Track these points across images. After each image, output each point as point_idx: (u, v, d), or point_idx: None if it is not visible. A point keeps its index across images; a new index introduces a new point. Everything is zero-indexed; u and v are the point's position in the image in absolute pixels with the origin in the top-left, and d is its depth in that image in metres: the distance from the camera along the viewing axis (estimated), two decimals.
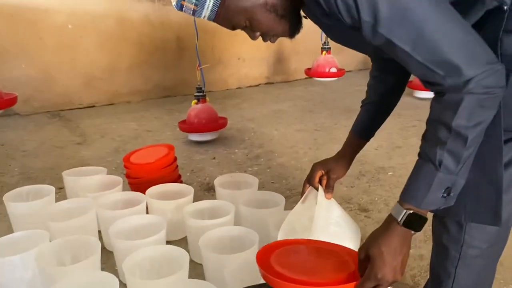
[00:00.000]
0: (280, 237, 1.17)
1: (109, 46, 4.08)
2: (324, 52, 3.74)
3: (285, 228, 1.19)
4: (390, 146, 2.83)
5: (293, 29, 0.99)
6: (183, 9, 0.92)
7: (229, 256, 1.32)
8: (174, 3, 0.92)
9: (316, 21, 1.01)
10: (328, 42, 3.68)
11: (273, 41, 1.00)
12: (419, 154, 0.85)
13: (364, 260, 0.88)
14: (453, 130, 0.78)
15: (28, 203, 1.72)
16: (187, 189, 1.80)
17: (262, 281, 0.94)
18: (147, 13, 4.20)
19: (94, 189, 1.84)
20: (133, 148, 2.41)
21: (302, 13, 1.01)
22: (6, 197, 1.73)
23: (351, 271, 0.91)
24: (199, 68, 2.85)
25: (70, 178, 1.93)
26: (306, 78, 4.65)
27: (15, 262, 1.31)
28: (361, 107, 1.24)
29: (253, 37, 0.99)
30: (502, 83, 0.78)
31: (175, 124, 3.18)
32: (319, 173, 1.21)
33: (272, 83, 5.27)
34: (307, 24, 1.10)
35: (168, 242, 1.51)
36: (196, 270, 1.53)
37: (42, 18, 3.71)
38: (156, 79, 4.39)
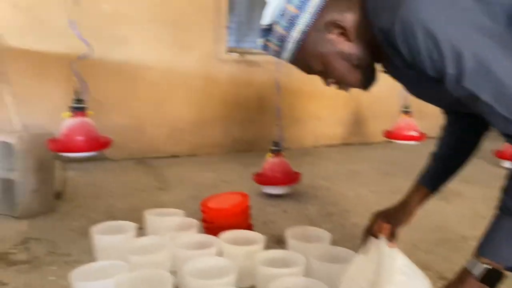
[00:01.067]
0: None
1: (195, 102, 4.38)
2: (404, 115, 3.71)
3: (346, 281, 1.17)
4: (474, 215, 2.66)
5: (367, 81, 1.03)
6: (267, 49, 1.00)
7: None
8: (259, 44, 1.01)
9: (395, 74, 1.04)
10: (409, 105, 3.65)
11: (346, 90, 1.04)
12: (500, 208, 0.83)
13: None
14: None
15: (111, 237, 1.84)
16: (259, 237, 1.83)
17: None
18: (233, 73, 4.49)
19: (171, 229, 1.93)
20: None
21: (380, 67, 1.05)
22: (93, 230, 1.87)
23: None
24: (277, 123, 2.96)
25: (151, 217, 2.05)
26: (384, 141, 4.59)
27: None
28: (430, 159, 1.23)
29: (327, 83, 1.04)
30: None
31: (249, 177, 3.27)
32: (380, 223, 1.19)
33: (349, 144, 5.25)
34: (386, 86, 1.13)
35: None
36: None
37: (140, 74, 4.11)
38: (237, 134, 4.59)
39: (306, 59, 1.00)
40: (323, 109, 5.00)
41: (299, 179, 3.06)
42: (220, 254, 1.76)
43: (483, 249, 0.83)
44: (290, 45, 0.97)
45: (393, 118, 3.79)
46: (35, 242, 2.17)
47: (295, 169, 3.15)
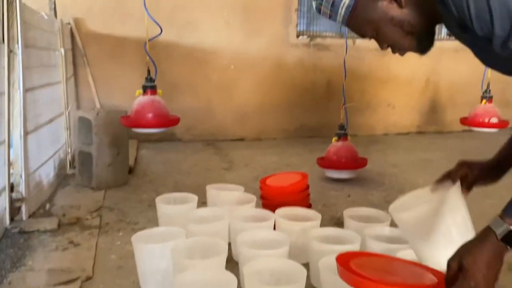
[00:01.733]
0: (391, 208, 1.19)
1: (263, 86, 4.41)
2: (484, 101, 3.44)
3: (399, 204, 1.19)
4: None
5: (422, 46, 0.98)
6: (321, 12, 1.00)
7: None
8: (314, 6, 1.01)
9: (459, 37, 0.98)
10: (489, 90, 3.38)
11: (401, 54, 1.01)
12: None
13: (454, 270, 0.86)
14: None
15: (174, 206, 1.93)
16: (315, 215, 1.81)
17: None
18: (302, 58, 4.45)
19: (231, 203, 1.97)
20: None
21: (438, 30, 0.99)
22: (158, 199, 1.97)
23: (434, 283, 0.92)
24: (343, 106, 2.89)
25: (212, 191, 2.11)
26: (463, 131, 4.33)
27: (154, 251, 1.47)
28: None
29: (381, 47, 1.01)
30: None
31: (314, 161, 3.24)
32: (463, 171, 1.11)
33: (423, 132, 4.99)
34: (468, 73, 1.08)
35: None
36: None
37: (210, 59, 4.22)
38: (303, 119, 4.56)
39: (358, 24, 0.99)
40: (396, 95, 4.80)
41: (365, 164, 2.98)
42: (275, 229, 1.77)
43: (510, 209, 0.83)
44: (341, 10, 0.97)
45: (475, 104, 3.54)
46: (107, 211, 2.34)
47: (363, 156, 3.07)
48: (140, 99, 2.36)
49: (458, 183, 1.08)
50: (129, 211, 2.34)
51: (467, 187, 1.11)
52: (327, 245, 1.52)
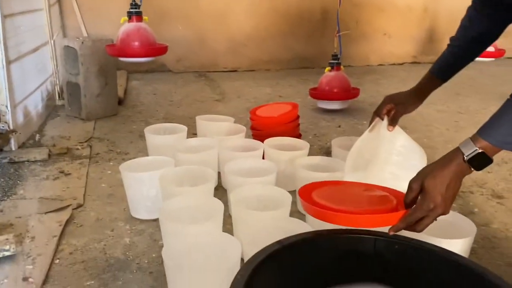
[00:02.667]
0: (348, 160, 1.29)
1: (258, 15, 4.25)
2: None
3: (353, 152, 1.29)
4: None
5: None
6: None
7: None
8: None
9: None
10: None
11: None
12: (511, 95, 0.81)
13: (416, 190, 0.89)
14: None
15: (163, 136, 1.93)
16: (304, 145, 1.82)
17: None
18: None
19: (221, 134, 1.97)
20: None
21: None
22: (147, 129, 1.96)
23: (393, 205, 0.96)
24: (337, 34, 2.81)
25: (202, 122, 2.10)
26: None
27: (143, 179, 1.49)
28: (448, 44, 1.21)
29: None
30: None
31: (307, 92, 3.21)
32: (388, 106, 1.23)
33: (420, 63, 4.91)
34: (467, 2, 1.06)
35: None
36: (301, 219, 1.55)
37: None
38: (297, 49, 4.45)
39: None
40: (393, 24, 4.66)
41: (357, 94, 2.95)
42: (264, 158, 1.79)
43: (483, 131, 0.83)
44: None
45: None
46: (98, 141, 2.34)
47: (356, 86, 3.03)
48: (125, 27, 2.27)
49: (385, 118, 1.22)
50: (119, 141, 2.34)
51: (392, 119, 1.22)
52: (313, 172, 1.54)
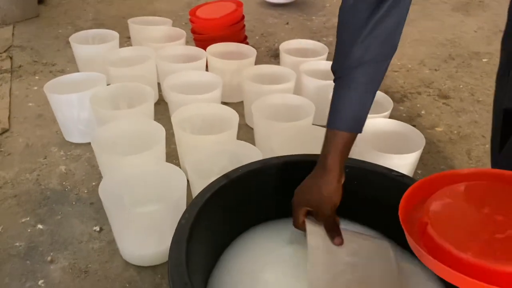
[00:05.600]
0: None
1: None
2: None
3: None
4: (493, 29, 2.42)
5: None
6: None
7: (280, 124, 1.24)
8: None
9: None
10: None
11: None
12: None
13: None
14: None
15: (91, 46, 1.72)
16: (250, 51, 1.68)
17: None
18: None
19: (158, 40, 1.78)
20: None
21: None
22: (73, 38, 1.73)
23: None
24: None
25: (135, 26, 1.88)
26: None
27: (72, 100, 1.33)
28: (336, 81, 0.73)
29: None
30: None
31: None
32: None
33: None
34: None
35: (223, 104, 1.45)
36: (249, 135, 1.49)
37: None
38: None
39: None
40: None
41: None
42: (208, 68, 1.65)
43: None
44: None
45: None
46: (19, 50, 2.06)
47: None
48: None
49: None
50: (44, 50, 2.08)
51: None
52: (261, 85, 1.44)
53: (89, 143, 1.41)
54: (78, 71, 1.76)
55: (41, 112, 1.60)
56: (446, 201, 0.61)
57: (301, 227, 0.77)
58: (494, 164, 0.93)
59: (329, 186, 0.72)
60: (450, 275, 0.49)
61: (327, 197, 0.72)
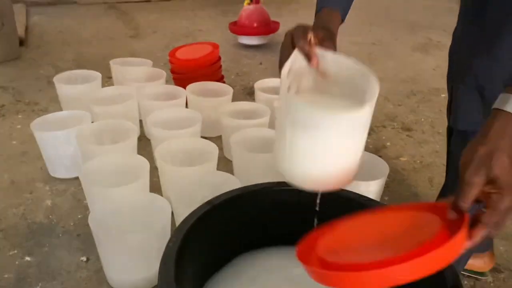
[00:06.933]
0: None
1: None
2: None
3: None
4: None
5: None
6: None
7: (257, 155, 1.34)
8: None
9: None
10: None
11: None
12: None
13: (477, 185, 0.56)
14: None
15: (75, 86, 1.79)
16: (227, 89, 1.80)
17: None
18: None
19: (139, 80, 1.88)
20: None
21: None
22: (57, 79, 1.81)
23: (441, 229, 0.57)
24: None
25: (117, 66, 1.97)
26: None
27: (58, 138, 1.40)
28: None
29: None
30: None
31: (227, 25, 3.11)
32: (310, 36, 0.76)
33: None
34: None
35: (203, 138, 1.53)
36: (227, 167, 1.57)
37: None
38: None
39: None
40: None
41: (277, 29, 2.92)
42: (188, 106, 1.75)
43: None
44: None
45: None
46: (1, 91, 2.12)
47: (275, 19, 2.99)
48: None
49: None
50: (27, 90, 2.14)
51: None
52: (238, 120, 1.54)
53: (74, 178, 1.47)
54: (61, 109, 1.83)
55: (25, 150, 1.65)
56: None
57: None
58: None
59: None
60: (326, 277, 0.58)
61: None
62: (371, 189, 1.24)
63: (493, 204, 0.55)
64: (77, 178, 1.45)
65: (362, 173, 1.31)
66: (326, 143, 0.66)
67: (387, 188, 1.50)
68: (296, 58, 0.72)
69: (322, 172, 0.70)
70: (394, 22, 3.68)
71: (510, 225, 1.39)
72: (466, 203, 0.56)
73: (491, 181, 0.55)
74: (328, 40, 0.76)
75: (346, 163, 0.70)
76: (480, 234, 0.55)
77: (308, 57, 0.72)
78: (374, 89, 0.68)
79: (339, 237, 0.69)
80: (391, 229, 0.66)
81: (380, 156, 1.39)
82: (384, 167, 1.29)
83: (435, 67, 2.61)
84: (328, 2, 0.87)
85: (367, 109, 0.65)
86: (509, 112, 0.58)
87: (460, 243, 0.54)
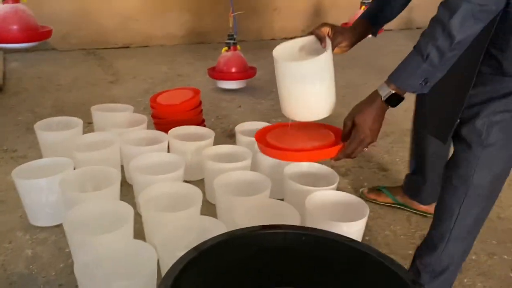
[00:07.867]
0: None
1: None
2: (363, 6, 3.61)
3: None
4: None
5: None
6: None
7: (241, 199, 1.36)
8: None
9: None
10: None
11: None
12: (414, 47, 0.96)
13: (349, 126, 1.07)
14: (446, 29, 0.88)
15: (56, 133, 1.80)
16: (209, 133, 1.84)
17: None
18: None
19: (120, 125, 1.90)
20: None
21: None
22: (37, 126, 1.81)
23: (333, 140, 1.15)
24: (232, 14, 2.81)
25: (98, 113, 1.99)
26: None
27: (41, 185, 1.39)
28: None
29: None
30: (499, 3, 0.87)
31: (205, 70, 3.19)
32: (327, 29, 1.19)
33: None
34: None
35: (185, 182, 1.56)
36: (210, 210, 1.59)
37: None
38: (191, 24, 4.36)
39: None
40: (282, 0, 4.78)
41: (254, 74, 3.02)
42: (169, 150, 1.78)
43: (392, 76, 1.00)
44: None
45: (356, 9, 3.70)
46: None
47: (251, 63, 3.09)
48: (1, 8, 2.03)
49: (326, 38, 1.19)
50: (5, 137, 2.13)
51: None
52: (220, 164, 1.57)
53: (55, 226, 1.45)
54: (40, 156, 1.82)
55: (3, 198, 1.63)
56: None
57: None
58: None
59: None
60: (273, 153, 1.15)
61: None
62: (352, 229, 1.28)
63: (352, 138, 1.06)
64: (58, 226, 1.44)
65: (343, 213, 1.36)
66: (292, 86, 1.15)
67: (366, 227, 1.54)
68: (309, 37, 1.21)
69: (302, 109, 1.17)
70: (364, 66, 3.84)
71: (485, 263, 1.44)
72: (343, 134, 1.09)
73: (354, 126, 1.05)
74: (338, 36, 1.19)
75: (318, 100, 1.16)
76: (343, 152, 1.09)
77: (320, 40, 1.18)
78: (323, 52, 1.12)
79: (282, 132, 1.23)
80: (310, 133, 1.21)
81: (360, 197, 1.44)
82: (364, 208, 1.34)
83: (405, 109, 2.71)
84: (362, 15, 1.30)
85: (311, 60, 1.10)
86: (377, 91, 1.02)
87: (335, 151, 1.10)
